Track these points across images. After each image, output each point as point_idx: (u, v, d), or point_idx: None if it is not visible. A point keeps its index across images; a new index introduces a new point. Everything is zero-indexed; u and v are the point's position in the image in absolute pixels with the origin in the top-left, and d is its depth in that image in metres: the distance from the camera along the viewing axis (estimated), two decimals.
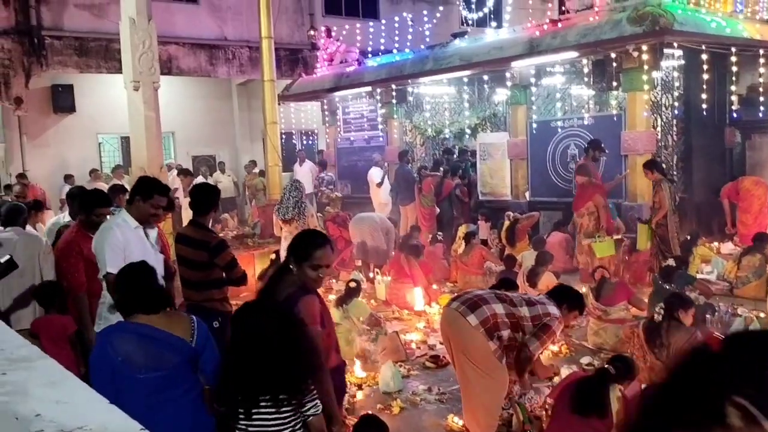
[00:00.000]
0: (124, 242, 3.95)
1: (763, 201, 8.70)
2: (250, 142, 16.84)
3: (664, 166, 8.79)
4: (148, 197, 4.05)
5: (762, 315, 5.93)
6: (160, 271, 3.80)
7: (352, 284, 6.69)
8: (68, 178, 12.71)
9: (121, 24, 8.95)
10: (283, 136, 13.24)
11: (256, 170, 14.57)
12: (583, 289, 6.08)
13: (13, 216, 5.00)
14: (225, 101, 16.79)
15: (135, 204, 4.08)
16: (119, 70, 9.80)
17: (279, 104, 11.87)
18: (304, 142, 17.24)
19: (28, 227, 5.26)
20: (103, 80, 13.67)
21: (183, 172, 11.47)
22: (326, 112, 14.36)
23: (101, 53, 13.33)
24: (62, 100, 13.86)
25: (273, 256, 8.04)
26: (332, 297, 7.15)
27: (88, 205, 4.66)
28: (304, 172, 14.14)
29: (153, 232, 4.24)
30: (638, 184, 8.88)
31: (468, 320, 4.04)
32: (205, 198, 4.66)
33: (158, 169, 9.05)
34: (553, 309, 4.20)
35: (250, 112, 16.54)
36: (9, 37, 12.74)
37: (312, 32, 14.80)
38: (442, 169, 11.21)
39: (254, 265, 9.05)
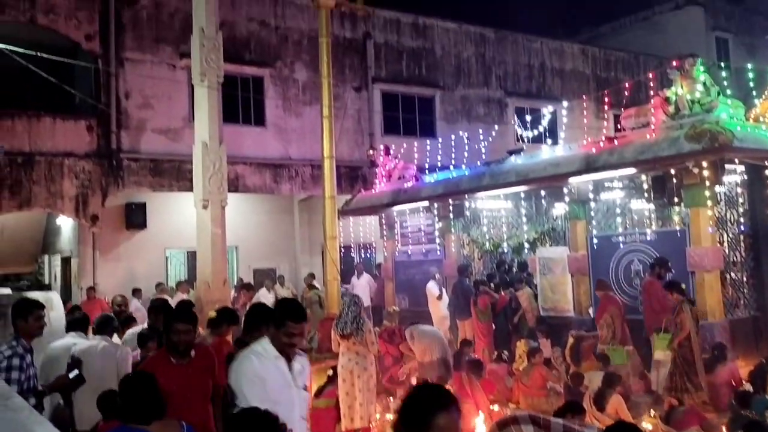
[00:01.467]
0: (263, 373, 3.58)
1: None
2: (309, 256, 17.17)
3: (730, 279, 8.46)
4: (280, 325, 3.66)
5: None
6: (301, 410, 3.67)
7: None
8: (136, 292, 13.14)
9: (195, 147, 9.56)
10: (342, 249, 13.48)
11: (315, 282, 14.73)
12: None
13: (103, 326, 5.62)
14: (286, 216, 17.35)
15: (269, 332, 3.73)
16: (190, 189, 10.35)
17: (338, 219, 12.19)
18: (363, 255, 17.46)
19: (115, 337, 5.84)
20: (174, 198, 14.41)
21: (245, 287, 11.71)
22: (384, 226, 14.61)
23: (173, 173, 14.14)
24: (135, 217, 14.60)
25: (330, 372, 7.98)
26: (390, 416, 6.95)
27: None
28: (362, 285, 14.24)
29: (298, 364, 3.77)
30: (708, 303, 8.55)
31: None
32: (253, 318, 4.69)
33: (221, 283, 9.31)
34: None
35: (311, 227, 16.99)
36: (90, 159, 13.72)
37: (371, 151, 15.37)
38: (492, 284, 11.13)
39: (311, 381, 8.98)
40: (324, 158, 11.21)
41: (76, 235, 14.68)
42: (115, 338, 5.94)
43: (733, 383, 7.43)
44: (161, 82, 13.76)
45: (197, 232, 9.49)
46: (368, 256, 16.88)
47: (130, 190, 14.24)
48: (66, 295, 14.64)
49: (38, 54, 10.39)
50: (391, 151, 14.50)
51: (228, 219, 9.75)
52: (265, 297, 14.65)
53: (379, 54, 17.45)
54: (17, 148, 12.92)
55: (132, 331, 6.46)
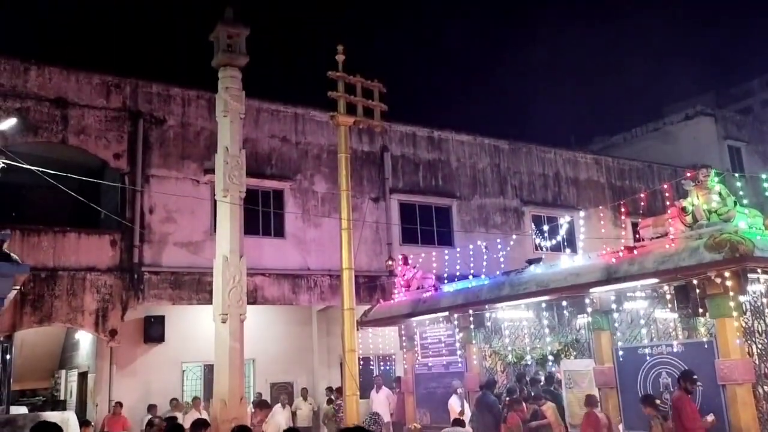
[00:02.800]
0: None
1: None
2: (327, 368, 16.86)
3: (763, 392, 8.12)
4: None
5: None
6: None
7: None
8: (151, 408, 12.90)
9: (215, 260, 9.67)
10: (361, 362, 13.22)
11: (334, 396, 14.37)
12: None
13: None
14: (305, 327, 17.20)
15: None
16: (209, 301, 10.38)
17: (357, 330, 12.04)
18: (382, 367, 17.10)
19: None
20: (192, 310, 14.42)
21: (260, 405, 11.42)
22: (404, 337, 14.38)
23: (193, 286, 14.24)
24: (153, 331, 14.57)
25: None
26: None
27: None
28: (381, 400, 13.85)
29: None
30: (742, 418, 8.16)
31: None
32: None
33: (238, 401, 9.12)
34: None
35: (329, 338, 16.80)
36: (112, 274, 13.90)
37: (390, 261, 15.43)
38: (513, 396, 10.76)
39: None
40: (342, 269, 11.25)
41: (94, 350, 14.61)
42: None
43: None
44: (185, 197, 14.16)
45: (215, 346, 9.42)
46: (387, 368, 16.52)
47: (150, 304, 14.29)
48: (81, 411, 14.37)
49: (68, 174, 10.79)
50: (410, 261, 14.54)
51: (245, 331, 9.70)
52: (280, 413, 14.28)
53: (396, 166, 17.93)
54: (41, 263, 13.15)
55: None
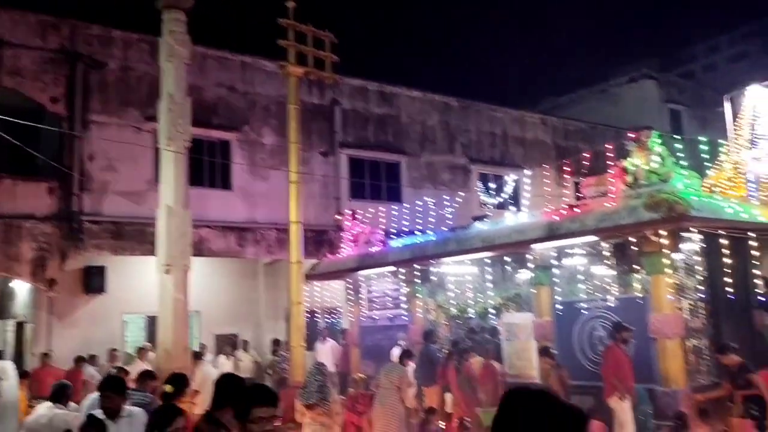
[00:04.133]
0: None
1: None
2: (274, 321, 16.89)
3: (691, 346, 8.58)
4: (244, 415, 3.18)
5: None
6: None
7: None
8: (92, 358, 12.70)
9: (159, 211, 9.46)
10: (307, 315, 13.30)
11: (278, 348, 14.46)
12: None
13: (57, 394, 5.85)
14: (251, 280, 17.12)
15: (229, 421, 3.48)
16: (152, 252, 10.18)
17: (304, 284, 12.08)
18: (328, 320, 17.26)
19: (71, 404, 6.05)
20: (134, 261, 14.14)
21: (195, 356, 11.28)
22: (350, 291, 14.53)
23: (136, 237, 13.92)
24: (94, 282, 14.23)
25: None
26: None
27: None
28: (326, 351, 14.02)
29: None
30: (670, 369, 8.62)
31: None
32: (224, 391, 4.49)
33: (182, 350, 9.07)
34: None
35: (275, 291, 16.78)
36: (50, 222, 13.44)
37: (338, 216, 15.43)
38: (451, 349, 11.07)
39: None
40: (290, 222, 11.21)
41: (31, 300, 14.21)
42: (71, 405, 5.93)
43: None
44: (126, 144, 13.72)
45: (159, 297, 9.29)
46: (333, 321, 16.69)
47: (90, 254, 13.93)
48: (19, 362, 14.04)
49: (2, 117, 10.29)
50: (358, 216, 14.58)
51: (190, 283, 9.59)
52: (225, 364, 14.30)
53: (346, 120, 17.75)
54: None
55: (93, 397, 6.23)
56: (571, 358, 10.00)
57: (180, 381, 5.69)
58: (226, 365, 14.26)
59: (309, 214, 15.01)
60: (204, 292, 14.76)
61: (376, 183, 18.00)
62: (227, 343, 15.40)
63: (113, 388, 4.97)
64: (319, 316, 17.09)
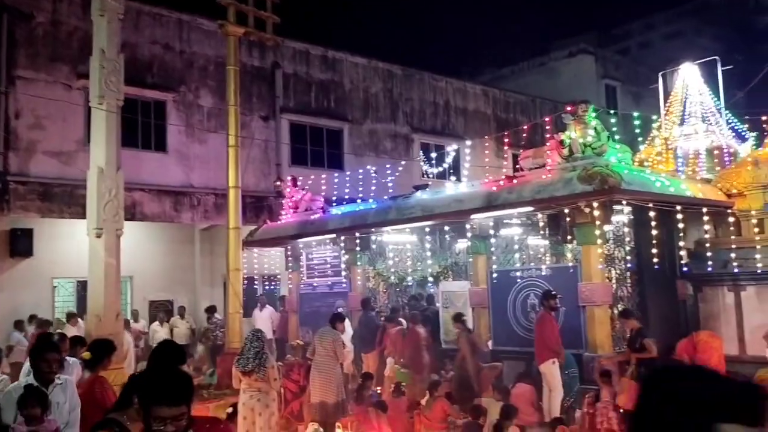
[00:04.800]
0: None
1: (721, 353, 8.81)
2: (210, 288, 16.67)
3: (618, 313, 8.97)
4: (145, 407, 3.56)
5: None
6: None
7: None
8: (18, 324, 12.27)
9: (90, 172, 9.11)
10: (245, 281, 13.17)
11: (219, 316, 14.30)
12: None
13: None
14: (187, 246, 16.80)
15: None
16: (82, 215, 9.83)
17: (242, 250, 11.94)
18: (266, 286, 17.15)
19: None
20: (63, 224, 13.63)
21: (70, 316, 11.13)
22: (289, 258, 14.45)
23: (65, 199, 13.39)
24: (20, 245, 13.67)
25: (230, 409, 7.72)
26: None
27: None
28: (264, 318, 13.96)
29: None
30: (597, 335, 8.98)
31: None
32: (161, 357, 4.47)
33: (114, 317, 8.85)
34: None
35: (212, 257, 16.54)
36: None
37: (278, 182, 15.24)
38: (400, 317, 11.23)
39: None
40: (229, 187, 11.01)
41: None
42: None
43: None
44: (55, 102, 13.09)
45: (89, 261, 9.00)
46: (272, 288, 16.60)
47: (17, 215, 13.33)
48: None
49: None
50: (299, 183, 14.44)
51: (123, 248, 9.32)
52: (158, 331, 14.08)
53: (287, 84, 17.43)
54: None
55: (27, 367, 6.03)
56: (505, 324, 10.29)
57: (100, 348, 5.55)
58: (160, 332, 14.04)
59: (248, 179, 14.77)
60: (137, 257, 14.41)
61: (317, 149, 17.83)
62: (162, 310, 15.13)
63: (50, 352, 4.74)
64: (257, 282, 16.97)
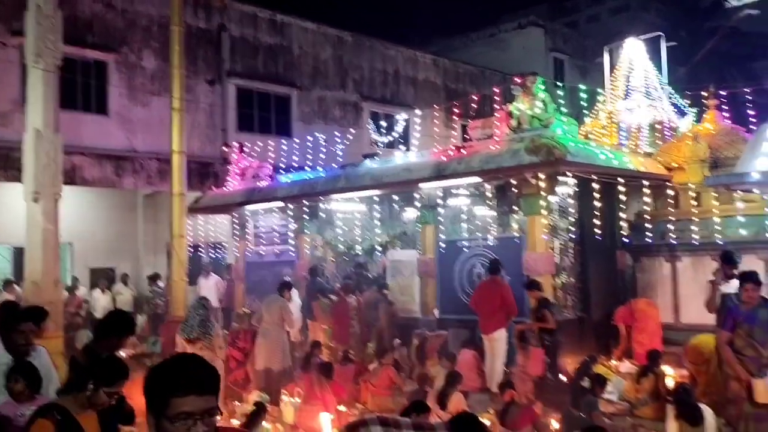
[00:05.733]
0: None
1: (657, 321, 9.19)
2: (153, 255, 16.33)
3: (560, 282, 9.21)
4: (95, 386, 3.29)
5: None
6: None
7: (256, 407, 6.38)
8: None
9: (26, 134, 8.71)
10: (190, 249, 12.93)
11: (162, 284, 14.06)
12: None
13: None
14: (129, 212, 16.37)
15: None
16: (19, 179, 9.42)
17: (187, 217, 11.69)
18: (212, 254, 16.90)
19: None
20: None
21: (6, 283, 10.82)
22: (236, 226, 14.26)
23: (0, 162, 12.81)
24: None
25: None
26: (235, 422, 6.78)
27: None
28: (209, 286, 13.77)
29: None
30: (525, 303, 9.21)
31: None
32: (108, 327, 4.35)
33: (53, 284, 8.58)
34: None
35: (156, 224, 16.16)
36: None
37: (225, 148, 14.93)
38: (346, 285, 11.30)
39: None
40: (173, 152, 10.72)
41: None
42: None
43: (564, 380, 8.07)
44: None
45: (26, 227, 8.65)
46: (218, 256, 16.38)
47: None
48: None
49: None
50: (246, 149, 14.19)
51: (63, 214, 8.99)
52: (100, 299, 13.77)
53: (234, 48, 16.98)
54: None
55: None
56: (452, 293, 10.45)
57: (32, 315, 5.32)
58: (101, 299, 13.72)
59: (193, 144, 14.42)
60: (78, 224, 13.99)
61: (265, 115, 17.51)
62: (103, 277, 14.76)
63: (25, 321, 4.33)
64: (202, 250, 16.71)
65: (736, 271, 6.36)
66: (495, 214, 10.50)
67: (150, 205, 16.35)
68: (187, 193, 11.15)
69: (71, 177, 13.18)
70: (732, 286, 6.37)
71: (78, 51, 13.47)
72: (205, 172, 15.92)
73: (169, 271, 12.28)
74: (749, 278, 5.50)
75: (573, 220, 10.37)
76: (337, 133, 14.56)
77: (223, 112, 16.49)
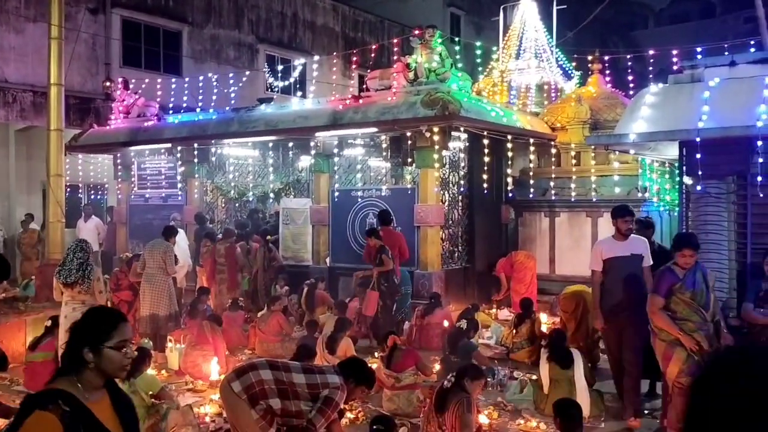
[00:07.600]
0: None
1: (534, 272, 9.78)
2: (27, 195, 15.24)
3: (448, 234, 9.54)
4: None
5: (534, 378, 6.54)
6: None
7: (139, 353, 6.22)
8: None
9: None
10: (68, 189, 12.19)
11: (34, 225, 13.21)
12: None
13: None
14: (0, 148, 15.12)
15: None
16: None
17: (65, 155, 10.98)
18: (92, 196, 16.03)
19: None
20: None
21: None
22: (119, 167, 13.57)
23: None
24: None
25: (49, 322, 7.28)
26: None
27: None
28: (89, 229, 13.10)
29: None
30: (429, 254, 9.52)
31: (232, 387, 4.12)
32: None
33: None
34: (333, 379, 4.25)
35: (30, 161, 15.04)
36: None
37: (107, 83, 14.01)
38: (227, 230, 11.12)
39: (25, 333, 8.09)
40: (50, 85, 9.95)
41: None
42: None
43: (447, 326, 8.43)
44: None
45: None
46: (99, 197, 15.56)
47: None
48: None
49: None
50: (131, 86, 13.41)
51: None
52: None
53: None
54: None
55: None
56: (344, 242, 10.55)
57: None
58: None
59: (73, 77, 13.46)
60: None
61: (153, 51, 16.54)
62: None
63: None
64: (82, 191, 15.80)
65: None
66: (389, 165, 10.63)
67: (23, 141, 15.16)
68: (65, 130, 10.44)
69: None
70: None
71: None
72: (85, 108, 14.92)
73: (44, 212, 11.56)
74: (687, 242, 4.93)
75: (463, 174, 10.69)
76: (230, 75, 14.04)
77: (107, 44, 15.42)
